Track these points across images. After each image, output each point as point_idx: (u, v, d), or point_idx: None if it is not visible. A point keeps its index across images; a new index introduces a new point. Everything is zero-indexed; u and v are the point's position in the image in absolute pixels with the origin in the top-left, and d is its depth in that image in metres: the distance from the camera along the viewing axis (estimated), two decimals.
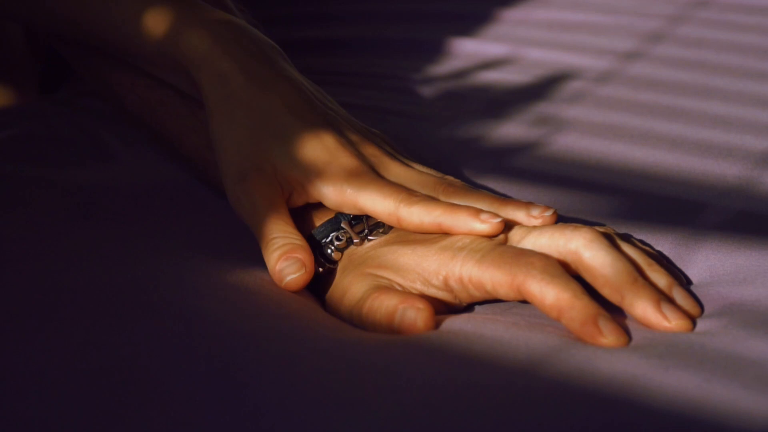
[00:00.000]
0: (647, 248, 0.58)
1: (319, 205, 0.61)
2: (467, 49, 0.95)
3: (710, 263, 0.58)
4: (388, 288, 0.56)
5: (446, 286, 0.55)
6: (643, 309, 0.52)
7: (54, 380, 0.47)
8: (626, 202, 0.67)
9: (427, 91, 0.88)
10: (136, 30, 0.64)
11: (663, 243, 0.60)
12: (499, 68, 0.91)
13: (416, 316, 0.53)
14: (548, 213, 0.57)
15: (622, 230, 0.61)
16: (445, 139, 0.78)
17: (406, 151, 0.65)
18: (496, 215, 0.55)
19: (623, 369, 0.48)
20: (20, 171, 0.69)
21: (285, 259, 0.57)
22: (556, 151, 0.75)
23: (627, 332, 0.51)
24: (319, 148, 0.58)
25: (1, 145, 0.74)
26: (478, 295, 0.55)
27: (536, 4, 1.05)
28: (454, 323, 0.54)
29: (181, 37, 0.62)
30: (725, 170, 0.69)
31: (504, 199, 0.58)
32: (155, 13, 0.63)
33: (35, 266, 0.57)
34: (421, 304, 0.54)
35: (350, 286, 0.57)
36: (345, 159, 0.58)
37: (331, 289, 0.58)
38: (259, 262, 0.60)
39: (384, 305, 0.54)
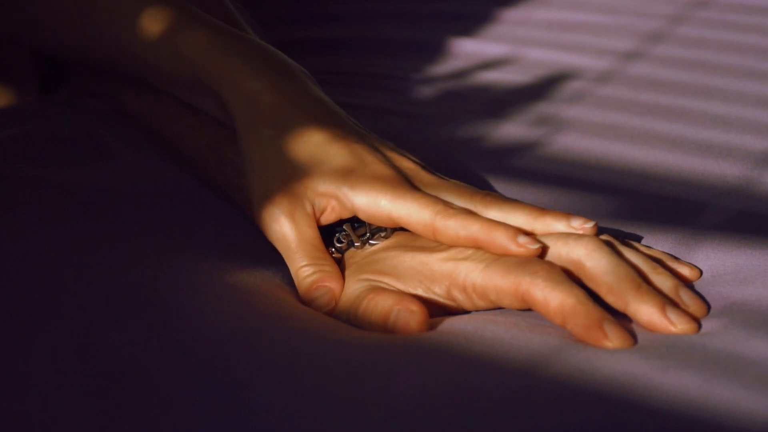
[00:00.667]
0: (650, 251, 0.58)
1: None
2: (467, 49, 0.95)
3: (710, 263, 0.58)
4: (384, 288, 0.56)
5: (449, 295, 0.55)
6: (648, 315, 0.52)
7: (53, 380, 0.47)
8: (626, 202, 0.67)
9: (427, 91, 0.87)
10: (160, 54, 0.64)
11: (663, 243, 0.60)
12: (499, 68, 0.91)
13: (410, 318, 0.54)
14: (589, 225, 0.55)
15: (622, 230, 0.61)
16: (445, 139, 0.78)
17: (407, 150, 0.65)
18: (534, 239, 0.54)
19: (624, 369, 0.48)
20: (20, 171, 0.69)
21: (316, 289, 0.57)
22: (556, 151, 0.75)
23: (632, 335, 0.51)
24: (352, 161, 0.58)
25: (1, 145, 0.74)
26: (481, 304, 0.55)
27: (536, 4, 1.05)
28: (454, 324, 0.54)
29: (208, 59, 0.62)
30: (725, 170, 0.69)
31: (543, 210, 0.56)
32: (181, 35, 0.63)
33: (35, 266, 0.57)
34: (415, 307, 0.54)
35: (347, 288, 0.57)
36: (379, 170, 0.57)
37: None
38: (259, 263, 0.60)
39: (380, 306, 0.55)
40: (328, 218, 0.58)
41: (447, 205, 0.56)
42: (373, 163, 0.57)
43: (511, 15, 1.02)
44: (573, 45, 0.94)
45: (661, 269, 0.55)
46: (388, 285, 0.57)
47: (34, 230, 0.61)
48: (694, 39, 0.94)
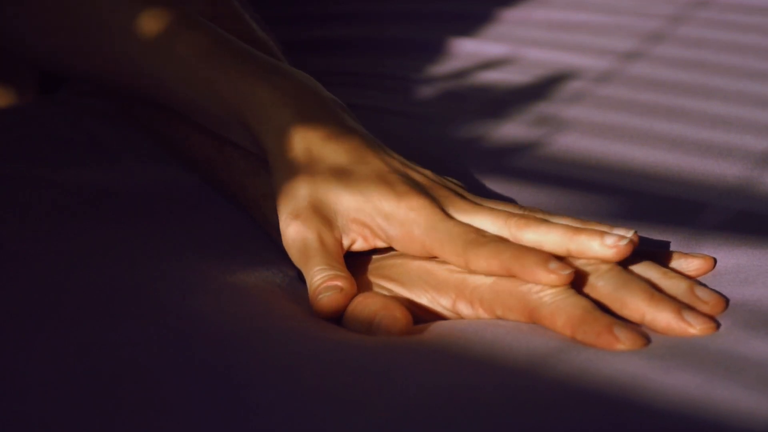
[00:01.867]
0: (658, 251, 0.58)
1: None
2: (467, 49, 0.95)
3: None
4: (375, 293, 0.56)
5: (453, 308, 0.56)
6: (665, 321, 0.52)
7: (53, 380, 0.47)
8: (626, 202, 0.67)
9: (427, 91, 0.87)
10: (192, 87, 0.63)
11: (663, 244, 0.60)
12: (499, 68, 0.91)
13: (392, 324, 0.54)
14: (623, 243, 0.54)
15: None
16: (445, 139, 0.78)
17: (406, 151, 0.65)
18: (566, 265, 0.53)
19: (624, 370, 0.48)
20: (20, 171, 0.69)
21: (325, 288, 0.56)
22: (556, 151, 0.75)
23: (643, 335, 0.51)
24: (385, 191, 0.57)
25: (1, 145, 0.74)
26: (486, 316, 0.55)
27: (536, 4, 1.05)
28: (454, 325, 0.54)
29: (239, 90, 0.61)
30: (725, 170, 0.69)
31: (577, 229, 0.55)
32: (212, 65, 0.62)
33: (35, 266, 0.57)
34: (399, 314, 0.54)
35: None
36: (412, 199, 0.56)
37: None
38: (259, 264, 0.60)
39: (366, 309, 0.55)
40: (359, 247, 0.58)
41: (479, 233, 0.55)
42: (407, 193, 0.57)
43: (511, 15, 1.02)
44: (573, 45, 0.94)
45: (671, 273, 0.55)
46: (393, 291, 0.57)
47: (34, 230, 0.61)
48: (694, 39, 0.94)
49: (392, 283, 0.57)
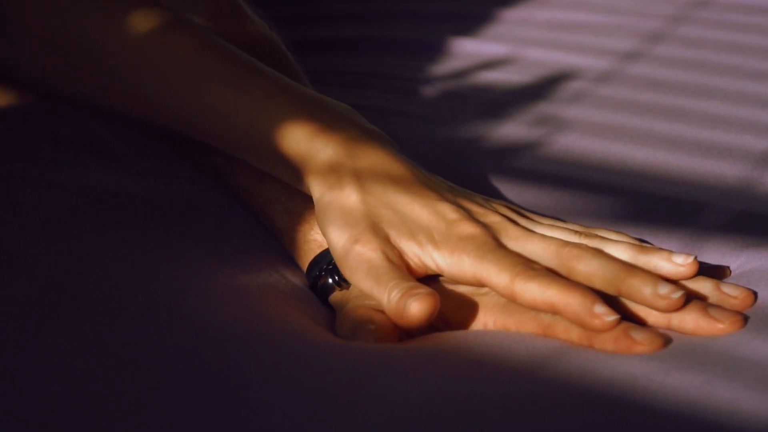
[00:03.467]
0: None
1: None
2: (467, 49, 0.95)
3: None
4: (366, 306, 0.56)
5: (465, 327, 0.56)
6: (694, 322, 0.52)
7: (53, 381, 0.47)
8: (626, 202, 0.67)
9: (427, 91, 0.87)
10: (237, 130, 0.62)
11: (663, 245, 0.60)
12: (499, 68, 0.91)
13: (372, 333, 0.54)
14: (676, 295, 0.52)
15: (623, 231, 0.61)
16: (445, 139, 0.78)
17: (406, 151, 0.65)
18: (611, 311, 0.51)
19: (624, 371, 0.48)
20: (20, 171, 0.69)
21: (410, 296, 0.53)
22: (557, 152, 0.75)
23: (661, 335, 0.51)
24: (435, 219, 0.56)
25: (1, 145, 0.74)
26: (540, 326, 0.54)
27: (536, 4, 1.05)
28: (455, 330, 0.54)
29: (280, 130, 0.60)
30: (725, 170, 0.69)
31: (631, 269, 0.53)
32: (252, 103, 0.61)
33: (35, 266, 0.57)
34: (372, 326, 0.54)
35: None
36: (463, 228, 0.55)
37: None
38: (260, 265, 0.60)
39: (355, 316, 0.55)
40: (415, 273, 0.57)
41: (528, 265, 0.54)
42: (457, 221, 0.56)
43: (511, 15, 1.02)
44: (573, 45, 0.94)
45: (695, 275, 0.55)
46: None
47: (34, 230, 0.61)
48: (694, 39, 0.94)
49: None
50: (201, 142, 0.66)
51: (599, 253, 0.54)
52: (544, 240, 0.55)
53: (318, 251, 0.61)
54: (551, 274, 0.53)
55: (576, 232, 0.57)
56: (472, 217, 0.56)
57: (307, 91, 0.63)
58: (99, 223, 0.63)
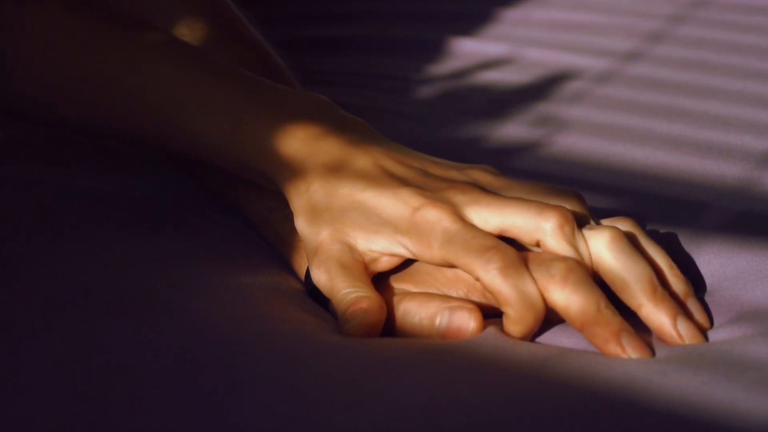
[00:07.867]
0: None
1: None
2: (467, 49, 0.95)
3: (712, 268, 0.58)
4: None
5: (467, 297, 0.56)
6: (659, 323, 0.52)
7: (51, 382, 0.47)
8: (626, 202, 0.67)
9: (427, 91, 0.88)
10: (207, 134, 0.62)
11: (663, 246, 0.60)
12: (499, 68, 0.91)
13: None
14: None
15: None
16: (445, 139, 0.78)
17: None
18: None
19: (623, 372, 0.48)
20: (20, 171, 0.69)
21: (350, 315, 0.54)
22: (557, 152, 0.75)
23: (649, 347, 0.51)
24: (400, 207, 0.56)
25: (1, 145, 0.74)
26: (497, 305, 0.54)
27: (536, 4, 1.05)
28: None
29: (263, 148, 0.60)
30: (725, 170, 0.69)
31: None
32: (238, 122, 0.61)
33: (33, 267, 0.57)
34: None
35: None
36: (427, 213, 0.55)
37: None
38: (258, 266, 0.60)
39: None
40: (386, 266, 0.57)
41: (495, 247, 0.53)
42: (420, 207, 0.55)
43: (511, 15, 1.02)
44: (573, 45, 0.94)
45: (677, 270, 0.55)
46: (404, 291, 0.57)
47: (34, 231, 0.61)
48: (694, 39, 0.94)
49: (404, 284, 0.57)
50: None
51: (576, 231, 0.54)
52: (520, 205, 0.55)
53: None
54: (514, 261, 0.53)
55: (553, 193, 0.56)
56: (438, 198, 0.56)
57: (271, 87, 0.62)
58: (98, 224, 0.63)
